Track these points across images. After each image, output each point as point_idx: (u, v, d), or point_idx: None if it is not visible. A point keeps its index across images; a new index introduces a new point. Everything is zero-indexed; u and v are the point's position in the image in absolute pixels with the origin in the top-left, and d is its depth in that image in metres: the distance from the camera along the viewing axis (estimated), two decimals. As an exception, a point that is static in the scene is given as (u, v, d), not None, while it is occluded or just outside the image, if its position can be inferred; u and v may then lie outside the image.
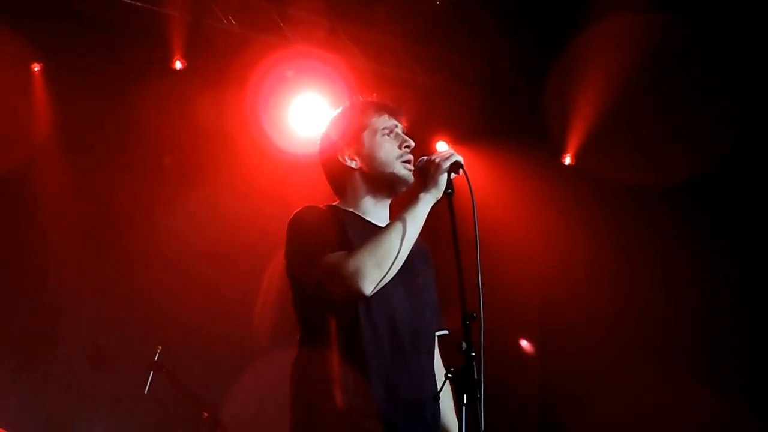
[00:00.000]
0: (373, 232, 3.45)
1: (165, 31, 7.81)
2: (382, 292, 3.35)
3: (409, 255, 3.39)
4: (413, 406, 3.42)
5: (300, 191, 5.25)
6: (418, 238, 3.44)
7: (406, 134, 3.74)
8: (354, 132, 3.71)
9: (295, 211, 3.58)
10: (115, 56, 7.94)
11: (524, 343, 9.53)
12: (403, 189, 3.66)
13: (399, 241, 3.33)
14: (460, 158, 3.46)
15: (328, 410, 3.32)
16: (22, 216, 8.02)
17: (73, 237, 8.09)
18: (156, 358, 6.95)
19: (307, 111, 8.22)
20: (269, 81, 8.02)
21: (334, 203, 3.74)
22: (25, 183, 8.03)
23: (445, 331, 3.76)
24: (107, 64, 7.96)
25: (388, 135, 3.69)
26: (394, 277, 3.35)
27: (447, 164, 3.44)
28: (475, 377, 3.05)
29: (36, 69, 8.05)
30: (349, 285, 3.27)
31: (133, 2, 7.57)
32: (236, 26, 7.97)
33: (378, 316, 3.42)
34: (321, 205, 3.65)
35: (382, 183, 3.67)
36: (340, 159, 3.70)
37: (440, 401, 3.55)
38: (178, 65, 7.99)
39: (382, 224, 3.60)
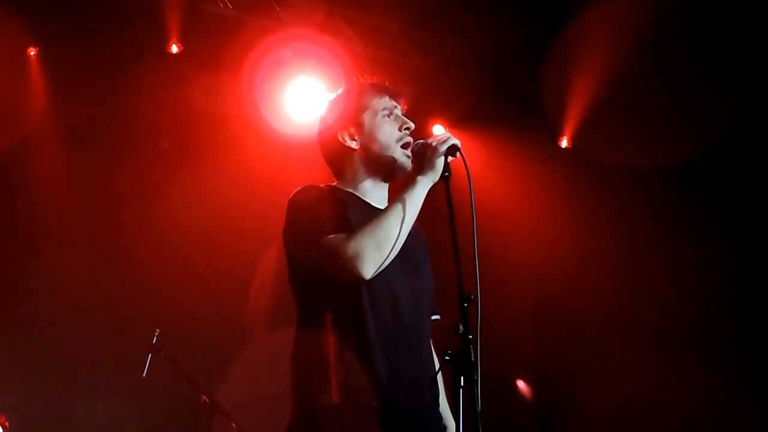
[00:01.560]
0: (372, 213, 3.46)
1: (161, 15, 7.79)
2: (385, 274, 3.36)
3: (407, 238, 3.40)
4: (414, 385, 3.43)
5: (297, 174, 5.24)
6: (414, 222, 3.44)
7: (406, 116, 3.74)
8: (354, 113, 3.71)
9: (295, 190, 3.58)
10: (112, 40, 7.91)
11: (521, 383, 9.53)
12: (400, 176, 3.66)
13: (398, 224, 3.34)
14: (456, 141, 3.46)
15: (330, 389, 3.32)
16: (18, 201, 8.04)
17: (69, 221, 8.10)
18: (154, 341, 6.94)
19: (303, 94, 8.21)
20: (265, 64, 8.00)
21: (333, 184, 3.73)
22: (22, 167, 8.05)
23: (437, 317, 3.76)
24: (103, 48, 7.95)
25: (388, 116, 3.69)
26: (394, 258, 3.36)
27: (444, 147, 3.44)
28: (472, 359, 3.07)
29: (32, 53, 8.05)
30: (348, 268, 3.28)
31: (129, -14, 7.59)
32: (232, 10, 7.95)
33: (381, 297, 3.43)
34: (321, 185, 3.65)
35: (381, 166, 3.67)
36: (340, 140, 3.69)
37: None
38: (174, 49, 7.97)
39: (381, 206, 3.61)
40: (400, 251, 3.38)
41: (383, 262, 3.32)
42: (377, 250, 3.30)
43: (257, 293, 8.49)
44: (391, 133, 3.66)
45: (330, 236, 3.35)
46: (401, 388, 3.38)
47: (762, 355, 7.69)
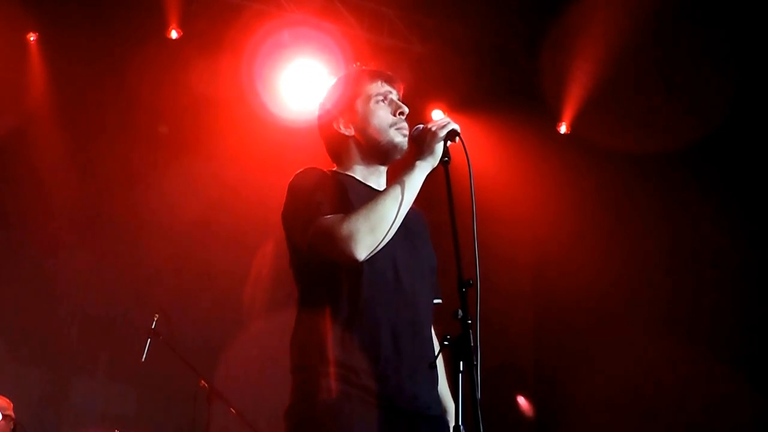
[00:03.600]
0: (372, 196, 3.43)
1: (160, 0, 7.78)
2: (387, 254, 3.36)
3: (410, 219, 3.41)
4: (418, 365, 3.42)
5: (296, 159, 5.23)
6: (415, 205, 3.43)
7: (402, 100, 3.71)
8: (348, 100, 3.71)
9: (295, 173, 3.58)
10: (111, 25, 7.91)
11: (521, 400, 9.52)
12: (398, 156, 3.65)
13: (394, 208, 3.33)
14: (456, 126, 3.44)
15: (331, 372, 3.32)
16: (17, 185, 8.04)
17: (69, 206, 8.11)
18: (153, 326, 6.95)
19: (302, 79, 8.20)
20: (265, 49, 7.99)
21: (333, 169, 3.73)
22: (21, 152, 8.04)
23: (439, 300, 3.74)
24: (103, 33, 7.95)
25: (382, 101, 3.67)
26: (397, 239, 3.36)
27: (443, 132, 3.42)
28: (471, 344, 3.05)
29: (32, 38, 8.04)
30: (342, 249, 3.28)
31: (128, -29, 7.58)
32: (231, -6, 7.95)
33: (383, 277, 3.42)
34: (324, 168, 3.64)
35: (376, 150, 3.66)
36: (335, 127, 3.69)
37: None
38: (173, 34, 7.97)
39: (381, 189, 3.61)
40: (401, 233, 3.37)
41: (377, 245, 3.31)
42: (371, 233, 3.29)
43: (256, 278, 8.49)
44: (384, 117, 3.65)
45: (325, 217, 3.35)
46: (400, 369, 3.37)
47: (762, 340, 7.67)
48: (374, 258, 3.33)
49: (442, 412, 3.61)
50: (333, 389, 3.31)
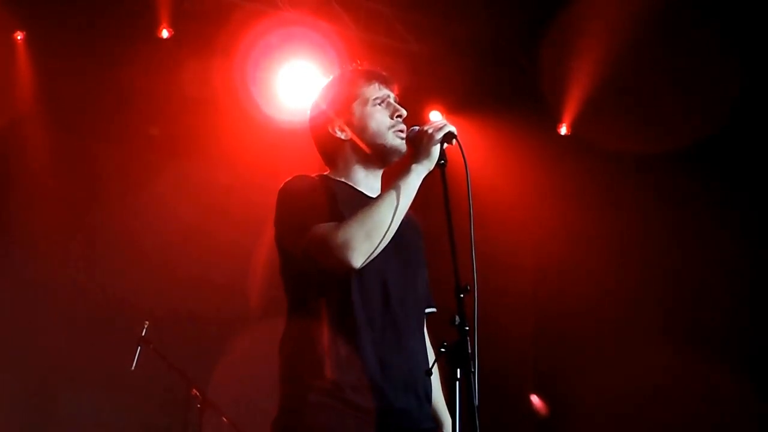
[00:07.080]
0: (364, 202, 3.40)
1: (151, -1, 7.75)
2: (376, 264, 3.32)
3: (401, 227, 3.36)
4: (406, 380, 3.39)
5: (290, 161, 5.22)
6: (409, 210, 3.40)
7: (399, 103, 3.68)
8: (344, 102, 3.66)
9: (285, 181, 3.54)
10: (101, 24, 7.87)
11: (534, 398, 9.44)
12: (396, 159, 3.62)
13: (390, 213, 3.30)
14: (453, 128, 3.41)
15: (318, 385, 3.28)
16: (4, 188, 8.02)
17: (57, 209, 8.11)
18: (143, 334, 6.95)
19: (296, 80, 8.17)
20: (258, 49, 7.95)
21: (325, 173, 3.69)
22: (9, 153, 8.06)
23: (433, 309, 3.73)
24: (92, 33, 7.91)
25: (380, 105, 3.63)
26: (387, 249, 3.31)
27: (440, 135, 3.39)
28: (469, 351, 3.03)
29: (19, 38, 8.01)
30: (337, 257, 3.23)
31: (118, -31, 7.53)
32: (225, -7, 7.90)
33: (371, 288, 3.39)
34: (312, 175, 3.61)
35: (374, 154, 3.61)
36: (330, 130, 3.64)
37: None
38: (164, 34, 7.91)
39: (374, 195, 3.56)
40: (392, 241, 3.33)
41: (374, 251, 3.27)
42: (367, 239, 3.25)
43: (249, 284, 8.44)
44: (382, 120, 3.61)
45: (320, 225, 3.31)
46: (390, 381, 3.33)
47: (763, 344, 7.62)
48: (363, 269, 3.29)
49: (436, 425, 3.58)
50: (320, 403, 3.27)
